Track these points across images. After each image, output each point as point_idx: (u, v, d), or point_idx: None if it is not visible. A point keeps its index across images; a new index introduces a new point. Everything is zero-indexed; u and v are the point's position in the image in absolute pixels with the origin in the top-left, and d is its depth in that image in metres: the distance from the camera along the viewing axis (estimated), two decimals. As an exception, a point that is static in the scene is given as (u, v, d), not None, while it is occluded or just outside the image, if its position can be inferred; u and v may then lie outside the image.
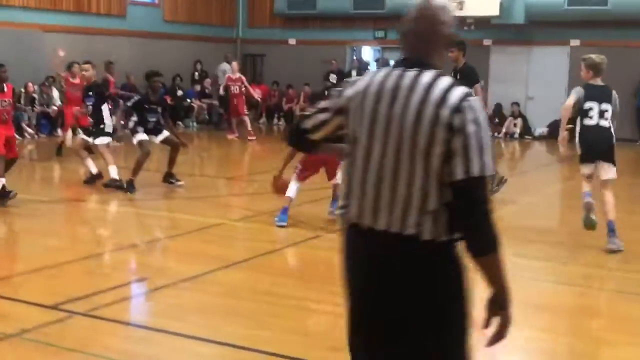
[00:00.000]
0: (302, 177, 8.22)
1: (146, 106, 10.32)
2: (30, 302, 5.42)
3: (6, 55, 16.20)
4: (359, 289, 2.63)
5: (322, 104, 2.77)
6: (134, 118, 10.35)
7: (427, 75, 2.53)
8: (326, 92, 13.01)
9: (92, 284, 6.00)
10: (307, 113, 2.83)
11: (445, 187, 2.45)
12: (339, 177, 8.67)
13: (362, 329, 2.64)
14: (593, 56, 7.35)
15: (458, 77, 10.63)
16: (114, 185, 10.02)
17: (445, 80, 2.50)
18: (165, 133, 10.49)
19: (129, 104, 10.52)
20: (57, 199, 9.88)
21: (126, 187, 9.76)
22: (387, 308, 2.54)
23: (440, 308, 2.52)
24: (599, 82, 7.29)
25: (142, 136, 10.21)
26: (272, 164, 13.27)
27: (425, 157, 2.45)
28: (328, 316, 5.30)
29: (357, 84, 2.65)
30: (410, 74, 2.55)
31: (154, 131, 10.37)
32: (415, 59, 2.58)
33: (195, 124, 20.15)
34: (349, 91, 2.66)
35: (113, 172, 10.11)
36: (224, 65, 20.20)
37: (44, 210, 8.90)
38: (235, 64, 18.40)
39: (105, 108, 10.63)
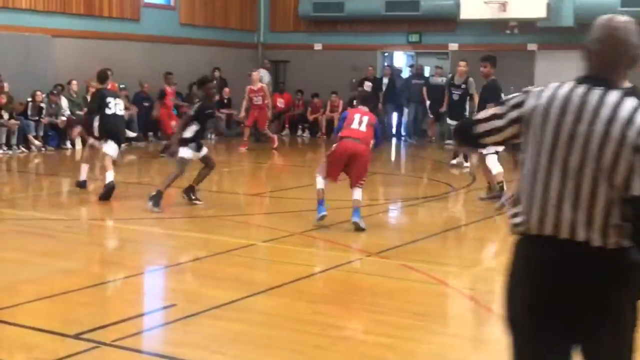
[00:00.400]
0: (328, 174, 8.92)
1: (208, 111, 10.33)
2: (50, 331, 5.39)
3: (12, 62, 16.47)
4: (543, 297, 2.88)
5: (496, 110, 3.04)
6: (195, 127, 10.21)
7: (614, 95, 2.81)
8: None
9: (116, 311, 5.98)
10: (478, 117, 3.09)
11: (627, 202, 2.74)
12: (357, 194, 8.95)
13: (541, 338, 2.88)
14: None
15: (484, 92, 11.09)
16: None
17: (632, 101, 2.79)
18: (205, 149, 10.49)
19: (191, 112, 10.48)
20: (72, 217, 9.89)
21: (152, 200, 9.79)
22: (575, 315, 2.84)
23: (623, 315, 2.85)
24: (627, 84, 7.61)
25: (187, 153, 10.13)
26: (298, 180, 13.29)
27: (609, 175, 2.74)
28: (378, 348, 5.24)
29: (539, 96, 2.91)
30: (597, 92, 2.82)
31: (199, 144, 10.34)
32: (599, 78, 2.86)
33: (213, 135, 20.18)
34: (530, 102, 2.92)
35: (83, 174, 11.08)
36: (262, 72, 20.23)
37: (58, 230, 8.91)
38: (255, 73, 18.44)
39: (96, 119, 10.88)
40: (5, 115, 16.02)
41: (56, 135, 16.97)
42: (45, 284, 6.62)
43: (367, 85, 19.87)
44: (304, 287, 6.71)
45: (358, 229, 8.82)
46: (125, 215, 9.89)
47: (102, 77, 11.25)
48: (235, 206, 10.96)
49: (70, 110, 17.22)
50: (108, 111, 10.72)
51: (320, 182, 8.93)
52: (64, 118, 16.91)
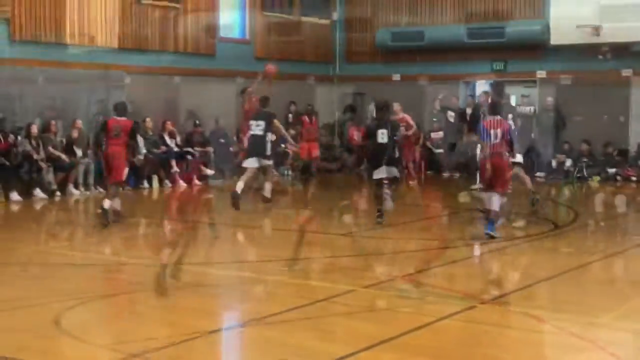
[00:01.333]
0: (481, 180, 10.99)
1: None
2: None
3: (88, 99, 16.61)
4: None
5: None
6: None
7: None
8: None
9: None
10: None
11: None
12: (495, 203, 10.45)
13: None
14: None
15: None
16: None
17: None
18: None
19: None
20: (160, 261, 9.62)
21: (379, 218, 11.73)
22: None
23: None
24: None
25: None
26: (387, 220, 12.85)
27: None
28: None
29: None
30: None
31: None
32: None
33: (289, 172, 19.98)
34: None
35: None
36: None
37: (146, 275, 8.66)
38: (397, 104, 17.38)
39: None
40: (79, 152, 16.06)
41: (133, 175, 16.85)
42: (139, 339, 6.32)
43: (450, 116, 19.45)
44: (420, 340, 6.27)
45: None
46: (214, 258, 9.62)
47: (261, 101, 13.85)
48: (326, 247, 10.59)
49: (147, 149, 17.16)
50: (250, 132, 13.21)
51: (494, 203, 10.46)
52: (140, 157, 16.84)
